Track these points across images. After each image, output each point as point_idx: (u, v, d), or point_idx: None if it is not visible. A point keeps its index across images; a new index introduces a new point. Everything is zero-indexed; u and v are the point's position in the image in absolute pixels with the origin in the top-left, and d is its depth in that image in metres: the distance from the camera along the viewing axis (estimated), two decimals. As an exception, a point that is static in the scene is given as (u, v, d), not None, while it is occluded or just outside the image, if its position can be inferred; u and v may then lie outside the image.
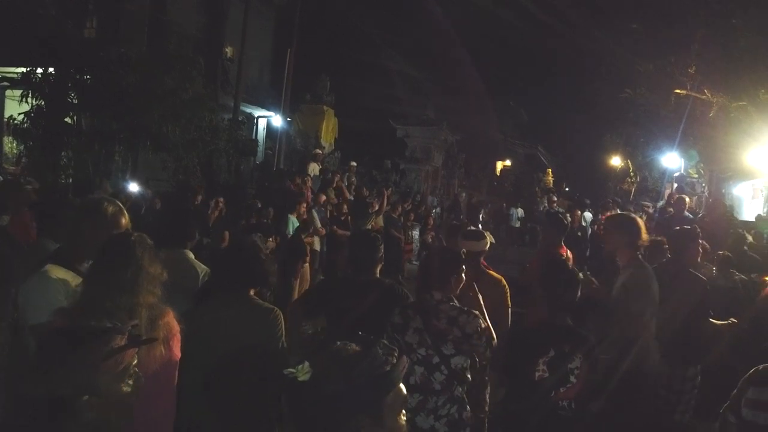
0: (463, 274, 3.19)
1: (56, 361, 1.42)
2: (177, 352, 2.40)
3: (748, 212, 14.21)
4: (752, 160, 11.02)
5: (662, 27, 10.61)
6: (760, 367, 2.19)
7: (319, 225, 9.10)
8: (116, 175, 10.02)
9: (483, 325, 2.95)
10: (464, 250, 4.33)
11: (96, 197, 3.17)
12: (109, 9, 10.34)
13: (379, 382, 1.17)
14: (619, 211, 11.86)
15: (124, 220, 2.81)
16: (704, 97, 10.27)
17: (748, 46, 9.09)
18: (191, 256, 4.32)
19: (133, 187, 9.06)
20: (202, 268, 4.13)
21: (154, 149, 9.56)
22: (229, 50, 15.13)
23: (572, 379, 2.79)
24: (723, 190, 15.90)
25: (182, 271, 3.93)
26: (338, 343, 1.24)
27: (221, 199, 8.11)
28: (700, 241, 4.67)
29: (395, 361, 1.21)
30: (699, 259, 4.98)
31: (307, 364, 1.18)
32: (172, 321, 2.38)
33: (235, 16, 14.54)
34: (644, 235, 3.83)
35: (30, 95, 8.92)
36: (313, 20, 16.24)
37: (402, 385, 1.24)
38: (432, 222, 14.19)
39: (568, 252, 5.09)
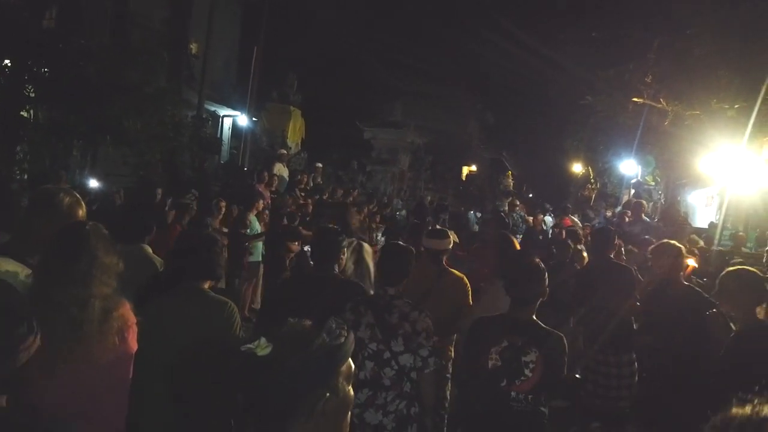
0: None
1: None
2: (133, 345, 2.36)
3: (701, 219, 14.74)
4: (704, 167, 11.43)
5: (621, 35, 10.93)
6: None
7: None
8: (75, 170, 9.74)
9: (432, 328, 3.01)
10: (428, 248, 4.45)
11: (51, 187, 3.09)
12: (69, 4, 10.07)
13: (336, 353, 1.21)
14: (571, 216, 12.21)
15: (81, 212, 2.74)
16: (660, 105, 10.60)
17: (702, 56, 9.45)
18: (149, 250, 4.27)
19: (93, 183, 8.83)
20: (160, 262, 4.09)
21: (115, 144, 9.34)
22: (194, 46, 14.90)
23: (527, 372, 2.84)
24: (678, 198, 16.46)
25: (139, 266, 3.88)
26: (291, 320, 1.27)
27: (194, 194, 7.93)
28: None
29: (346, 334, 1.26)
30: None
31: (263, 339, 1.20)
32: (127, 313, 2.34)
33: (200, 11, 14.34)
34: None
35: (-18, 88, 8.60)
36: (280, 18, 16.13)
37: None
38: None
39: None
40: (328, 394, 1.22)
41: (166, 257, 3.91)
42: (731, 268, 3.34)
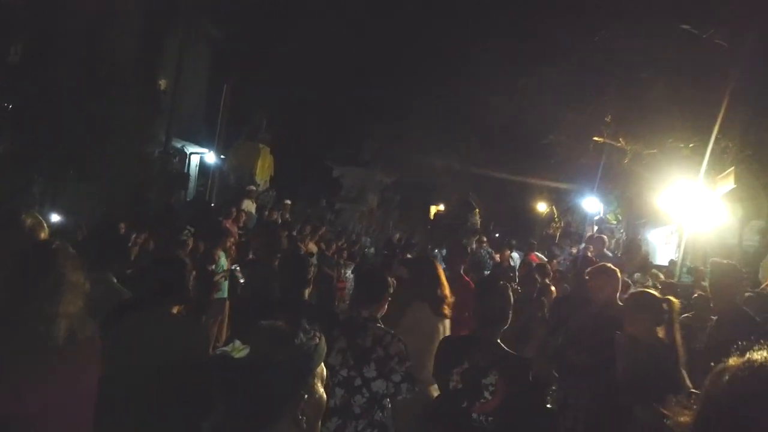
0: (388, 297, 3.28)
1: None
2: (98, 367, 2.29)
3: (662, 257, 15.14)
4: (662, 204, 11.83)
5: (580, 76, 11.40)
6: None
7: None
8: (35, 206, 9.48)
9: (406, 352, 3.00)
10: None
11: (14, 208, 3.03)
12: (36, 34, 9.99)
13: (312, 354, 1.21)
14: (537, 252, 12.43)
15: (43, 234, 2.70)
16: (619, 144, 11.01)
17: (656, 98, 9.92)
18: (113, 280, 4.16)
19: (54, 217, 8.59)
20: (126, 293, 3.99)
21: (79, 178, 9.15)
22: (163, 83, 14.89)
23: (486, 394, 2.81)
24: (639, 236, 16.92)
25: (103, 294, 3.78)
26: (264, 322, 1.27)
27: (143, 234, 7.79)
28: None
29: (319, 335, 1.27)
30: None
31: (238, 342, 1.19)
32: (93, 334, 2.29)
33: (170, 49, 14.40)
34: None
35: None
36: (250, 56, 16.30)
37: None
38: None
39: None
40: (306, 395, 1.22)
41: (135, 280, 3.82)
42: (632, 291, 3.55)
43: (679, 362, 3.08)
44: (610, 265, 4.51)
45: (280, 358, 1.18)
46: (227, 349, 1.20)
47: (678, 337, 3.18)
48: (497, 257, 12.57)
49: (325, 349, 1.28)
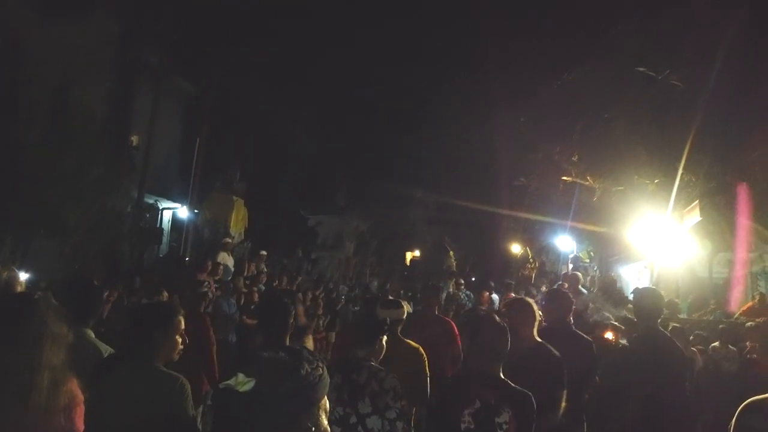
0: (384, 341, 3.29)
1: None
2: (80, 425, 2.21)
3: (638, 287, 15.31)
4: (632, 239, 12.07)
5: (547, 119, 11.78)
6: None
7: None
8: (7, 263, 9.22)
9: (401, 389, 2.96)
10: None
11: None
12: (3, 90, 9.95)
13: (317, 384, 1.20)
14: (514, 293, 12.48)
15: (19, 289, 2.65)
16: (588, 182, 11.30)
17: (620, 136, 10.29)
18: (92, 335, 4.03)
19: (23, 276, 8.34)
20: (105, 349, 3.86)
21: (50, 235, 8.96)
22: (135, 138, 14.87)
23: None
24: (612, 272, 17.17)
25: (82, 352, 3.65)
26: (265, 354, 1.25)
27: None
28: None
29: (322, 365, 1.26)
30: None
31: (242, 375, 1.17)
32: (75, 389, 2.20)
33: (142, 104, 14.44)
34: None
35: None
36: (223, 108, 16.46)
37: None
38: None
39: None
40: (313, 428, 1.20)
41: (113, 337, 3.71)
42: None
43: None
44: (564, 291, 4.65)
45: (285, 390, 1.17)
46: (231, 382, 1.18)
47: None
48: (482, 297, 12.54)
49: (329, 380, 1.27)
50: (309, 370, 1.21)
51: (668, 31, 10.13)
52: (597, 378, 4.35)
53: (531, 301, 4.28)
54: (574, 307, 4.76)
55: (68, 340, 2.20)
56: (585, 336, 4.82)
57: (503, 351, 2.87)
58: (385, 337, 3.36)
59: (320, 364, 1.26)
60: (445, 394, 2.92)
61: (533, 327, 3.98)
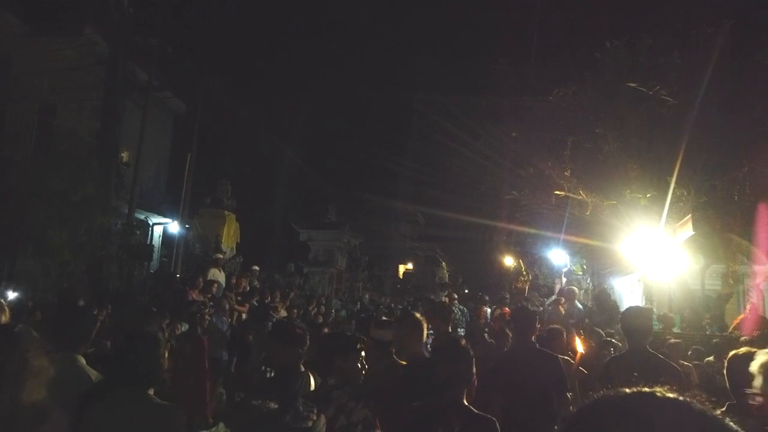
0: (357, 361, 3.16)
1: None
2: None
3: (628, 306, 15.27)
4: (625, 253, 12.09)
5: (538, 134, 11.83)
6: None
7: None
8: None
9: (372, 418, 2.85)
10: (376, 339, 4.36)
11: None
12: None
13: None
14: (508, 307, 12.43)
15: (4, 318, 2.58)
16: (580, 197, 11.31)
17: (610, 152, 10.33)
18: (83, 361, 3.93)
19: (10, 295, 8.19)
20: (95, 375, 3.76)
21: (37, 254, 8.82)
22: (124, 155, 14.75)
23: None
24: (605, 285, 17.17)
25: (71, 380, 3.54)
26: (255, 402, 1.19)
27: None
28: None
29: (315, 417, 1.20)
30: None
31: (222, 424, 1.12)
32: (57, 425, 2.13)
33: (131, 121, 14.35)
34: None
35: None
36: (212, 124, 16.42)
37: None
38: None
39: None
40: None
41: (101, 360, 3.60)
42: None
43: None
44: (530, 308, 4.71)
45: None
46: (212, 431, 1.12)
47: None
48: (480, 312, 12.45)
49: (323, 430, 1.21)
50: (292, 421, 1.15)
51: (657, 48, 10.26)
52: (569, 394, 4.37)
53: (532, 310, 4.39)
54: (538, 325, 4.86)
55: (49, 374, 2.12)
56: (551, 353, 4.86)
57: (468, 378, 2.86)
58: (360, 357, 3.22)
59: (313, 415, 1.19)
60: (407, 423, 2.82)
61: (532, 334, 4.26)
